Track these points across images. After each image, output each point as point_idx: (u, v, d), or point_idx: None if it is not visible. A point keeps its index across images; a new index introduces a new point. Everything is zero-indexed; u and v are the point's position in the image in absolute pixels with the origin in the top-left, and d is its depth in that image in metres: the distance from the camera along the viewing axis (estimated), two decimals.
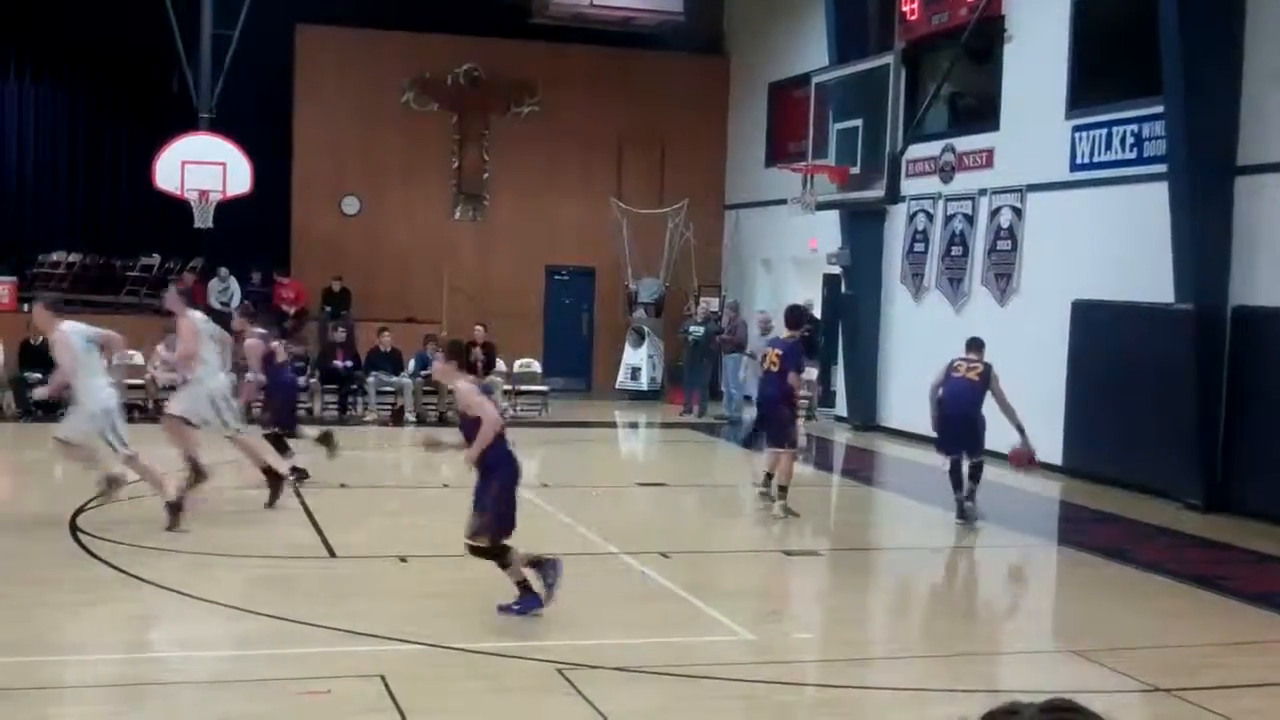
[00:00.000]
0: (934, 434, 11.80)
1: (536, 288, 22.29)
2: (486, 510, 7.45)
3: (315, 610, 7.38)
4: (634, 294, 21.75)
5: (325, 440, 12.46)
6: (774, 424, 11.80)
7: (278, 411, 12.51)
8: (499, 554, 7.53)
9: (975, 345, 11.58)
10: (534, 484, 13.50)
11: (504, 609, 7.62)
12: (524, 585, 7.59)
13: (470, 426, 7.46)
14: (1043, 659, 7.62)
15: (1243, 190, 12.28)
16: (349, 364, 18.09)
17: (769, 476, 11.64)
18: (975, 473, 11.48)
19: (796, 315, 11.83)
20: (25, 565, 8.85)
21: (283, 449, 12.29)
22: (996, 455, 11.85)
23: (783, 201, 18.80)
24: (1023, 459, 11.53)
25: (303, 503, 11.29)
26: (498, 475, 7.48)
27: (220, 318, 19.19)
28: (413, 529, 10.70)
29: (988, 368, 11.31)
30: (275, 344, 12.54)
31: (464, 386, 7.55)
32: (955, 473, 11.49)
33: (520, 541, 9.95)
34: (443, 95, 21.71)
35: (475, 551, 7.54)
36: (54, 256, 21.05)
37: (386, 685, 6.24)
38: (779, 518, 11.36)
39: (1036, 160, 15.08)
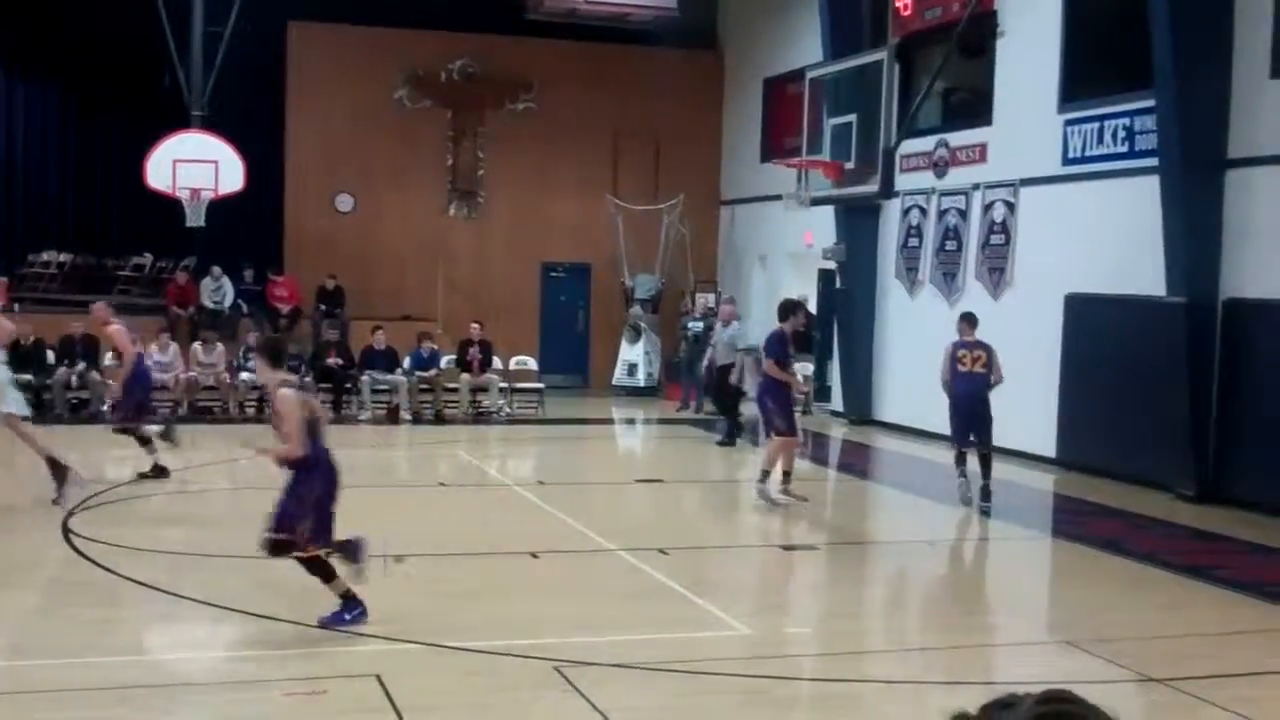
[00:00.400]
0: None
1: (532, 284, 22.29)
2: (300, 513, 7.07)
3: (310, 610, 7.38)
4: (630, 290, 21.76)
5: (166, 435, 12.10)
6: (762, 415, 12.10)
7: (126, 404, 12.15)
8: (317, 563, 7.14)
9: (972, 322, 11.82)
10: (530, 481, 13.53)
11: (326, 622, 7.17)
12: (348, 595, 7.21)
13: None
14: (1038, 650, 7.64)
15: (1233, 183, 12.31)
16: (340, 363, 18.01)
17: (785, 474, 11.73)
18: (986, 465, 11.57)
19: (782, 308, 12.14)
20: (17, 567, 8.85)
21: (145, 441, 12.01)
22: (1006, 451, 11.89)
23: (778, 197, 18.79)
24: None
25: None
26: (316, 477, 7.15)
27: (214, 316, 19.34)
28: (407, 528, 10.69)
29: (989, 353, 11.47)
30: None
31: (282, 393, 7.15)
32: (961, 459, 11.68)
33: (520, 539, 9.95)
34: (437, 92, 21.69)
35: (276, 548, 7.09)
36: (44, 256, 21.00)
37: (383, 684, 6.24)
38: (759, 501, 11.54)
39: (1029, 154, 15.10)
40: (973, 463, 11.66)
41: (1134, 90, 13.28)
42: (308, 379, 11.53)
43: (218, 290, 19.75)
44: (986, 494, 11.54)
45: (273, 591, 8.20)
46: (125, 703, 6.12)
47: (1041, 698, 1.60)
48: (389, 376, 18.00)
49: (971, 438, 11.66)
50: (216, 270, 19.82)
